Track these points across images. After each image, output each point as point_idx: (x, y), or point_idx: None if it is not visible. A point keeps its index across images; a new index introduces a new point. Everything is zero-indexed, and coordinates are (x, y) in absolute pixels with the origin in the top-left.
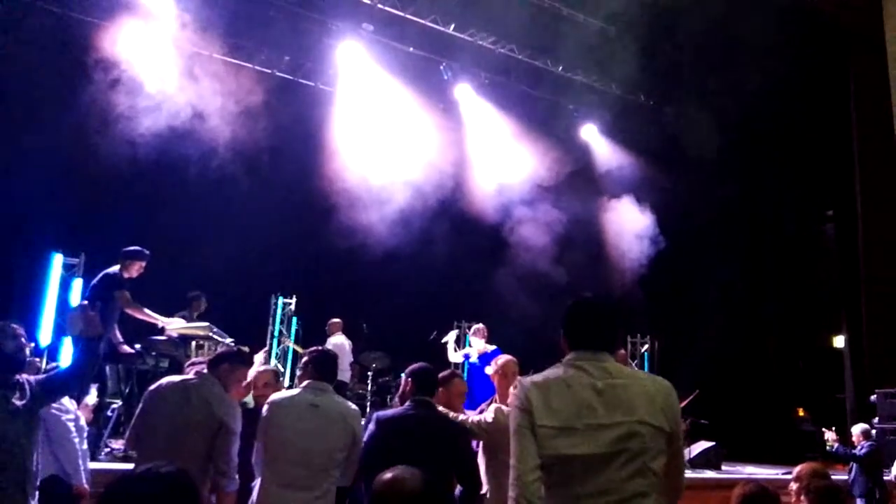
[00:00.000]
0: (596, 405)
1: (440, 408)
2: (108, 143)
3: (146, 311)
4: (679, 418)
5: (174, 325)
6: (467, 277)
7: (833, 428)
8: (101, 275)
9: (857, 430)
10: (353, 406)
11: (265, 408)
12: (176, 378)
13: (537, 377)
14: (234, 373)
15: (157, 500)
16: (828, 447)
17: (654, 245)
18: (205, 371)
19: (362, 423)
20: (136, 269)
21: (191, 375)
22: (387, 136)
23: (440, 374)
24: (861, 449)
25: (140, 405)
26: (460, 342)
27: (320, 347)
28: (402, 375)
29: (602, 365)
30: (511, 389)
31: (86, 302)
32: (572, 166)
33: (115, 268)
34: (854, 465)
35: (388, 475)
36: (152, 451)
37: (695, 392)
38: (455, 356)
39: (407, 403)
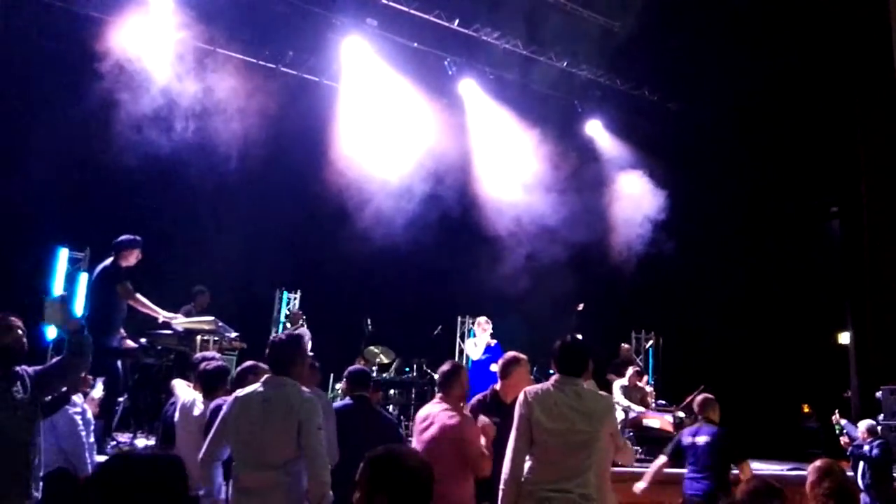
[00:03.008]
0: (571, 417)
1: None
2: (114, 137)
3: (147, 303)
4: (613, 420)
5: (178, 321)
6: (471, 273)
7: (837, 411)
8: (98, 269)
9: (862, 426)
10: (307, 396)
11: (227, 403)
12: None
13: (538, 391)
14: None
15: (147, 480)
16: (837, 430)
17: (658, 241)
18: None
19: (316, 411)
20: (133, 258)
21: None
22: (391, 132)
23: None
24: (872, 450)
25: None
26: (464, 338)
27: (278, 336)
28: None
29: (575, 389)
30: (520, 397)
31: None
32: (576, 161)
33: (110, 260)
34: (863, 462)
35: (409, 448)
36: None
37: (699, 388)
38: (475, 352)
39: (347, 399)
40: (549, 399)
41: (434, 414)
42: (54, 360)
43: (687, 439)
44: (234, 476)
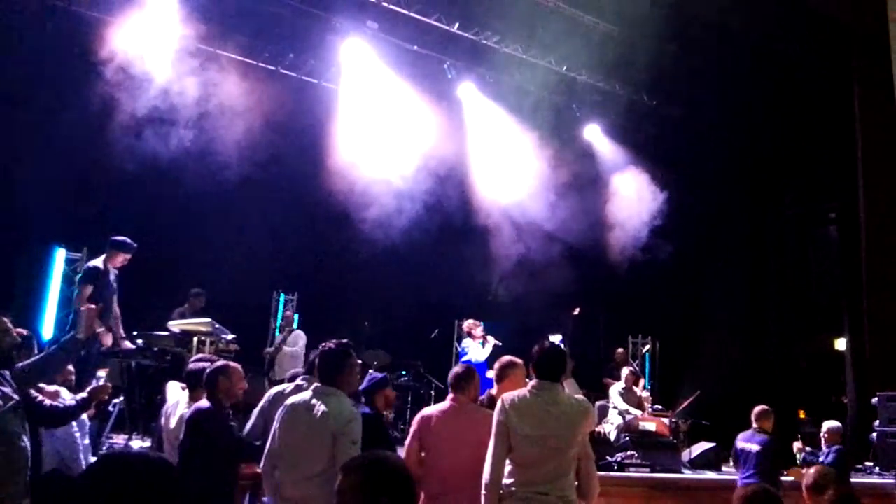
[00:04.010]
0: (548, 422)
1: None
2: (112, 137)
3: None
4: (589, 425)
5: (176, 323)
6: (469, 276)
7: (798, 436)
8: (84, 268)
9: (826, 426)
10: (347, 409)
11: (280, 410)
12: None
13: (514, 397)
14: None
15: (136, 482)
16: (798, 458)
17: (656, 246)
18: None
19: (352, 424)
20: (120, 261)
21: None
22: (389, 135)
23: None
24: (828, 456)
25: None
26: (460, 339)
27: (327, 345)
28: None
29: (552, 395)
30: (497, 404)
31: (94, 305)
32: (574, 166)
33: (99, 259)
34: None
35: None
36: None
37: (696, 393)
38: (481, 354)
39: None
40: (525, 405)
41: (471, 419)
42: (37, 356)
43: (739, 443)
44: (278, 483)
